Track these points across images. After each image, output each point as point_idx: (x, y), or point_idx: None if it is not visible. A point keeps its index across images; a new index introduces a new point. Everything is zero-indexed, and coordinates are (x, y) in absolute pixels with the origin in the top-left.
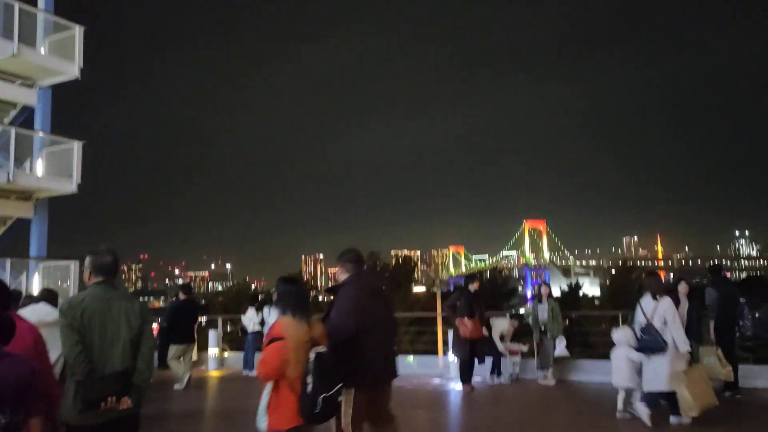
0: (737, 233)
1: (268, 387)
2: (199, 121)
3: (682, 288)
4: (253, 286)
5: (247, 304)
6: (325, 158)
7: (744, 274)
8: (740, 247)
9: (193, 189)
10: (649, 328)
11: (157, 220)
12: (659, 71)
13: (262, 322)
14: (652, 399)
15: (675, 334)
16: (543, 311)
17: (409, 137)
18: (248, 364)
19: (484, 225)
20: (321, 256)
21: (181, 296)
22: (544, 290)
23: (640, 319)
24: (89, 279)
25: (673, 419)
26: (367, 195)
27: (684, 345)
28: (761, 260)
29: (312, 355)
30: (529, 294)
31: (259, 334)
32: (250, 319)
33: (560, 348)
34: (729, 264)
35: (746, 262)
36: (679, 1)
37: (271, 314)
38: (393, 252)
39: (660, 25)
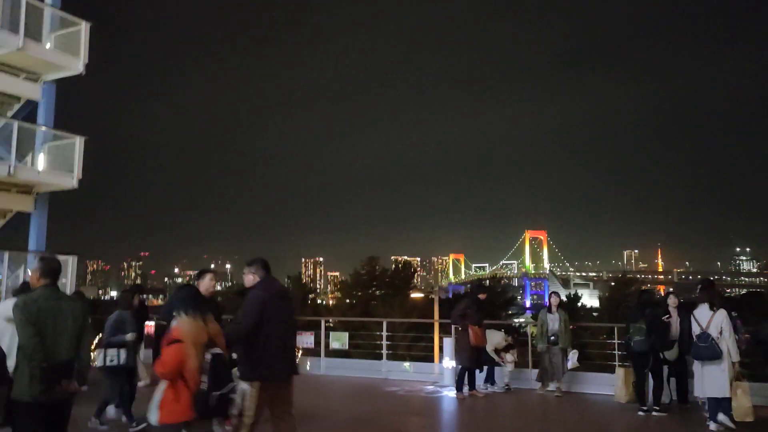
0: (738, 249)
1: (163, 383)
2: (204, 121)
3: (672, 301)
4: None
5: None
6: (329, 163)
7: (744, 291)
8: (740, 263)
9: (197, 189)
10: (705, 337)
11: (159, 219)
12: (663, 86)
13: None
14: (724, 406)
15: (730, 344)
16: (554, 321)
17: (413, 145)
18: None
19: (485, 234)
20: (321, 259)
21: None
22: (554, 300)
23: (694, 328)
24: (38, 281)
25: (712, 426)
26: (370, 201)
27: (737, 355)
28: (761, 277)
29: (208, 356)
30: (527, 303)
31: None
32: None
33: (573, 360)
34: (729, 280)
35: (746, 278)
36: (676, 17)
37: None
38: (393, 257)
39: (659, 41)
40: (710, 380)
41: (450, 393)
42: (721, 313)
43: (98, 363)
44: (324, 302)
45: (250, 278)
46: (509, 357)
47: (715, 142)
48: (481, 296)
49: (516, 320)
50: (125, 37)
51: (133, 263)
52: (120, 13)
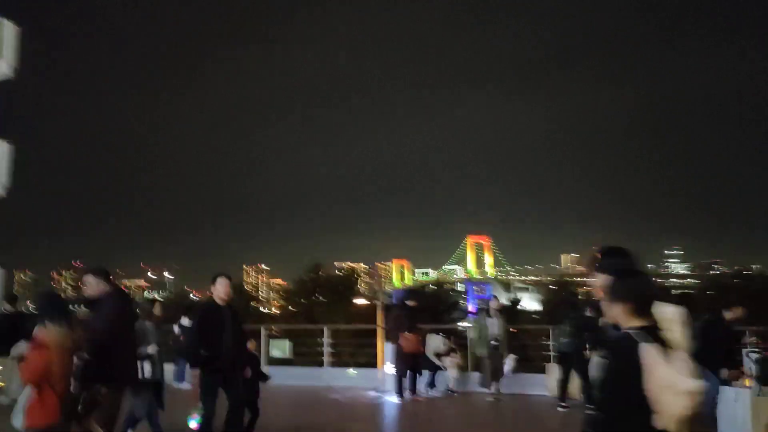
0: (667, 252)
1: (28, 388)
2: (139, 126)
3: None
4: (191, 296)
5: (182, 314)
6: (273, 170)
7: (674, 292)
8: (670, 265)
9: (134, 196)
10: None
11: (93, 228)
12: (604, 94)
13: None
14: None
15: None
16: (493, 326)
17: (358, 151)
18: (180, 376)
19: (428, 239)
20: (264, 266)
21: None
22: (493, 304)
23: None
24: None
25: None
26: (314, 207)
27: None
28: (692, 279)
29: (75, 360)
30: (470, 308)
31: None
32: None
33: (510, 365)
34: (661, 281)
35: (677, 280)
36: (635, 25)
37: None
38: (337, 263)
39: (611, 51)
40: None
41: (392, 398)
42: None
43: None
44: (268, 310)
45: (95, 287)
46: (449, 361)
47: (653, 148)
48: (410, 303)
49: (460, 324)
50: (61, 39)
51: (64, 273)
52: (57, 16)
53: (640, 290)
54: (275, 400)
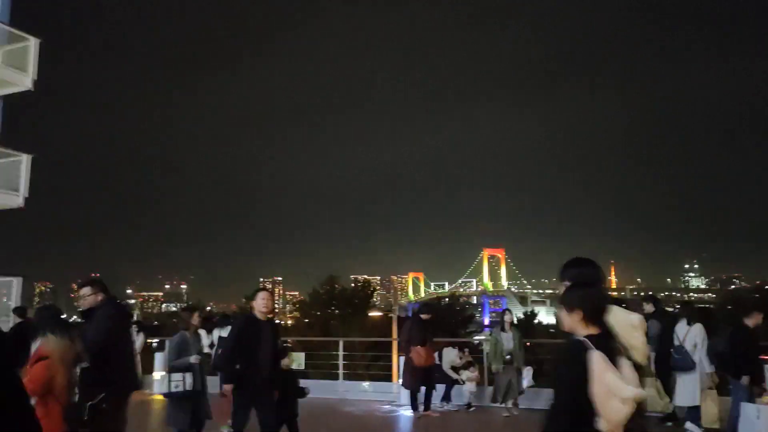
0: (686, 266)
1: (33, 399)
2: (155, 139)
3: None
4: (208, 308)
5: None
6: (289, 181)
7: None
8: (689, 279)
9: (150, 208)
10: (680, 349)
11: (110, 239)
12: (618, 102)
13: (212, 345)
14: (692, 414)
15: (702, 356)
16: (508, 340)
17: (371, 164)
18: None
19: (444, 252)
20: (279, 278)
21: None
22: (507, 318)
23: (674, 341)
24: None
25: (689, 425)
26: (330, 220)
27: (710, 366)
28: (709, 293)
29: (78, 369)
30: (486, 321)
31: (207, 357)
32: None
33: (528, 378)
34: (678, 296)
35: (695, 294)
36: (651, 31)
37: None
38: (352, 276)
39: (623, 56)
40: (682, 389)
41: (406, 412)
42: (697, 327)
43: (162, 389)
44: (282, 322)
45: (90, 299)
46: (466, 375)
47: (672, 161)
48: (424, 316)
49: (476, 338)
50: (76, 52)
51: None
52: (78, 29)
53: (591, 299)
54: None
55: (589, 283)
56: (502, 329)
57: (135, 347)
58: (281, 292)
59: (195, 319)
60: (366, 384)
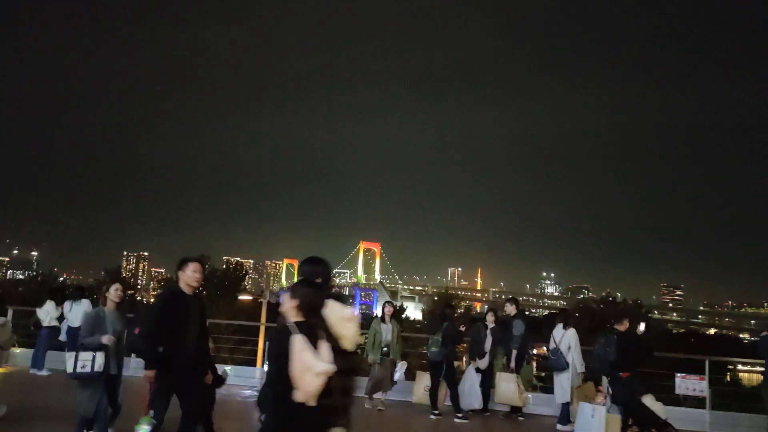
0: (544, 274)
1: None
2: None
3: (490, 317)
4: (61, 279)
5: (48, 297)
6: (164, 151)
7: (546, 312)
8: (545, 286)
9: (6, 171)
10: (555, 351)
11: None
12: (521, 112)
13: (61, 317)
14: (562, 413)
15: (576, 357)
16: (387, 332)
17: (259, 145)
18: (37, 362)
19: (321, 241)
20: (146, 253)
21: None
22: (387, 309)
23: (550, 344)
24: None
25: (560, 426)
26: (204, 197)
27: (581, 366)
28: (561, 301)
29: None
30: (356, 312)
31: (55, 330)
32: (47, 312)
33: (401, 372)
34: (534, 301)
35: (549, 300)
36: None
37: (73, 309)
38: (225, 258)
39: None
40: (558, 388)
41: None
42: (571, 331)
43: (69, 369)
44: (145, 300)
45: None
46: None
47: (545, 175)
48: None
49: None
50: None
51: None
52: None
53: (307, 295)
54: (144, 394)
55: (317, 280)
56: (382, 320)
57: None
58: (145, 267)
59: (113, 293)
60: (228, 368)
